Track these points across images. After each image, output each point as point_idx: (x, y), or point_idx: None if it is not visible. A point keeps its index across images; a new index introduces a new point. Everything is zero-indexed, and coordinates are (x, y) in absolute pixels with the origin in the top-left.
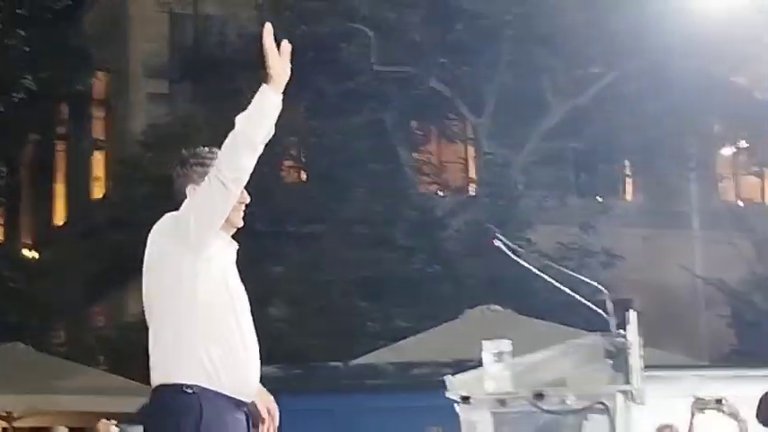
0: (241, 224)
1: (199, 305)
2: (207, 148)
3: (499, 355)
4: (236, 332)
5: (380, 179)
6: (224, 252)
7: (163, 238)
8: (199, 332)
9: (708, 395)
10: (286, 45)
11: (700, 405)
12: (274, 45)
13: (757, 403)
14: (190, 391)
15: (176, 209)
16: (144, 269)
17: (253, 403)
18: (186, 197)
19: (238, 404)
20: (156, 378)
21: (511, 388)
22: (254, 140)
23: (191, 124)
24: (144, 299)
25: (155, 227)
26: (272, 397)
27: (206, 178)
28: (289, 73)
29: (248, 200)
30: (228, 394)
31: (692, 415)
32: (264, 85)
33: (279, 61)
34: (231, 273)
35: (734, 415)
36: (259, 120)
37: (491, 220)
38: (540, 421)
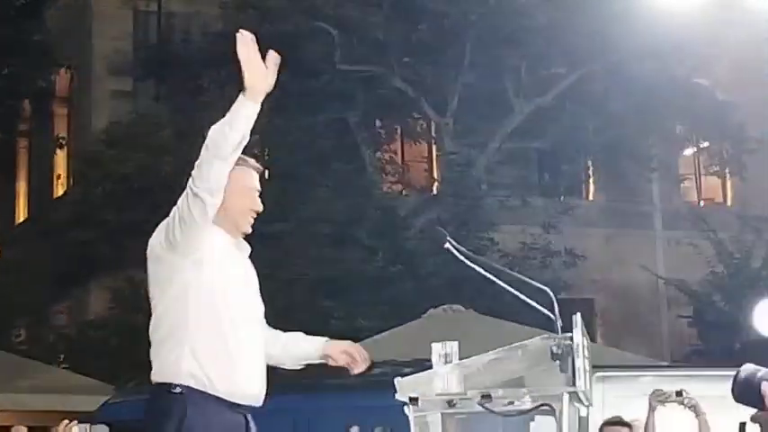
0: (248, 230)
1: (190, 307)
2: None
3: (447, 356)
4: (230, 334)
5: (344, 178)
6: (225, 255)
7: (156, 245)
8: (189, 334)
9: (667, 388)
10: (273, 56)
11: (659, 397)
12: (251, 55)
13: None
14: (176, 390)
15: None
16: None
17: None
18: None
19: (233, 406)
20: (152, 377)
21: (459, 389)
22: (224, 151)
23: (154, 122)
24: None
25: (153, 239)
26: (350, 342)
27: (186, 190)
28: (272, 83)
29: (260, 208)
30: (222, 396)
31: (651, 408)
32: (241, 96)
33: (255, 72)
34: (234, 276)
35: (694, 408)
36: (230, 130)
37: (454, 220)
38: (488, 422)
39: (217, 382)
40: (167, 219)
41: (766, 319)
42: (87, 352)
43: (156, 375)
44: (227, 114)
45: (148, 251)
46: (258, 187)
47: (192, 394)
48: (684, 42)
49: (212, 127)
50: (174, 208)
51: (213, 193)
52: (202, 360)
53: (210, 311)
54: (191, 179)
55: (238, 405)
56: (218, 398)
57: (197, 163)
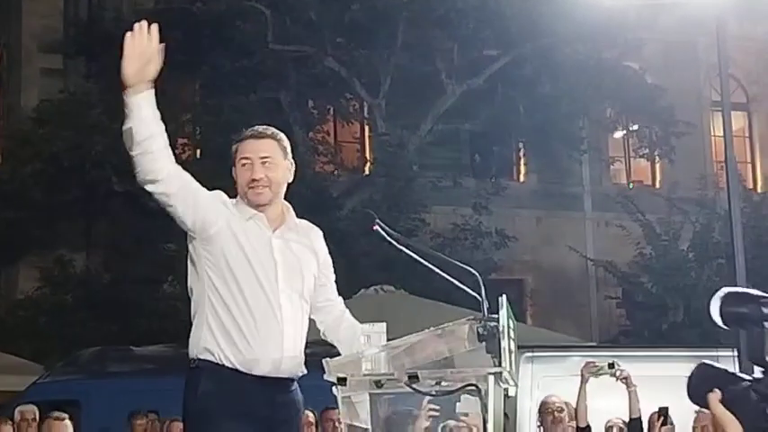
0: (261, 200)
1: (206, 285)
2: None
3: (374, 337)
4: (244, 308)
5: None
6: (239, 231)
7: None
8: (206, 311)
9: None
10: (153, 28)
11: (591, 369)
12: (134, 47)
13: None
14: (194, 365)
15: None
16: None
17: None
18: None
19: (254, 379)
20: (190, 352)
21: (387, 369)
22: (133, 146)
23: (85, 101)
24: None
25: None
26: None
27: None
28: (154, 57)
29: (258, 176)
30: (240, 369)
31: (584, 379)
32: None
33: (132, 63)
34: (249, 250)
35: (626, 380)
36: (128, 127)
37: (386, 201)
38: (415, 402)
39: (231, 355)
40: None
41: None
42: (16, 331)
43: (189, 351)
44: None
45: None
46: (258, 154)
47: (206, 367)
48: (614, 26)
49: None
50: None
51: (150, 183)
52: (216, 334)
53: (223, 287)
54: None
55: (261, 377)
56: (233, 369)
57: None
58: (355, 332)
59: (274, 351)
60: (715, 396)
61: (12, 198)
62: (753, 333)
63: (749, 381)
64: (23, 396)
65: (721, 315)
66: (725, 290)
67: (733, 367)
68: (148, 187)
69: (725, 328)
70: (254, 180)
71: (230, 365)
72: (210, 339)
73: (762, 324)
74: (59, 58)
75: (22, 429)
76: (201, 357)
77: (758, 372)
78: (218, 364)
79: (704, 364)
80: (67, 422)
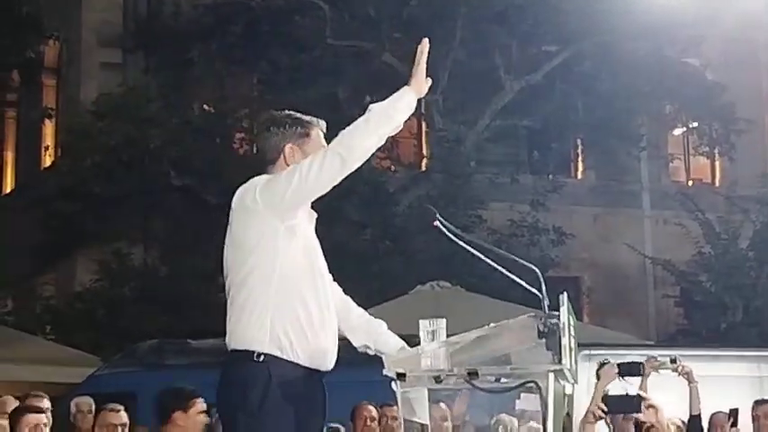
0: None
1: (276, 274)
2: (293, 112)
3: (434, 333)
4: (313, 302)
5: None
6: (306, 223)
7: (249, 201)
8: (274, 301)
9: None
10: (424, 44)
11: (653, 364)
12: (422, 62)
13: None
14: (260, 359)
15: (263, 165)
16: (228, 230)
17: None
18: (281, 154)
19: (312, 373)
20: (229, 343)
21: (446, 365)
22: (384, 131)
23: (143, 94)
24: (225, 260)
25: (242, 190)
26: None
27: (322, 151)
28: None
29: None
30: (303, 364)
31: (645, 374)
32: (406, 87)
33: (422, 75)
34: (313, 244)
35: (687, 375)
36: (393, 114)
37: (443, 197)
38: (474, 398)
39: (299, 349)
40: (269, 176)
41: None
42: (74, 324)
43: (236, 342)
44: (392, 99)
45: (236, 210)
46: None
47: (274, 362)
48: (675, 23)
49: (374, 106)
50: (291, 167)
51: (358, 163)
52: (287, 328)
53: (295, 280)
54: (336, 146)
55: (316, 371)
56: (297, 364)
57: (348, 133)
58: (371, 323)
59: (333, 344)
60: None
61: (70, 191)
62: None
63: None
64: (80, 388)
65: None
66: None
67: None
68: (353, 166)
69: None
70: None
71: (297, 360)
72: (280, 332)
73: None
74: (118, 53)
75: (78, 421)
76: (267, 351)
77: None
78: (285, 358)
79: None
80: (123, 414)
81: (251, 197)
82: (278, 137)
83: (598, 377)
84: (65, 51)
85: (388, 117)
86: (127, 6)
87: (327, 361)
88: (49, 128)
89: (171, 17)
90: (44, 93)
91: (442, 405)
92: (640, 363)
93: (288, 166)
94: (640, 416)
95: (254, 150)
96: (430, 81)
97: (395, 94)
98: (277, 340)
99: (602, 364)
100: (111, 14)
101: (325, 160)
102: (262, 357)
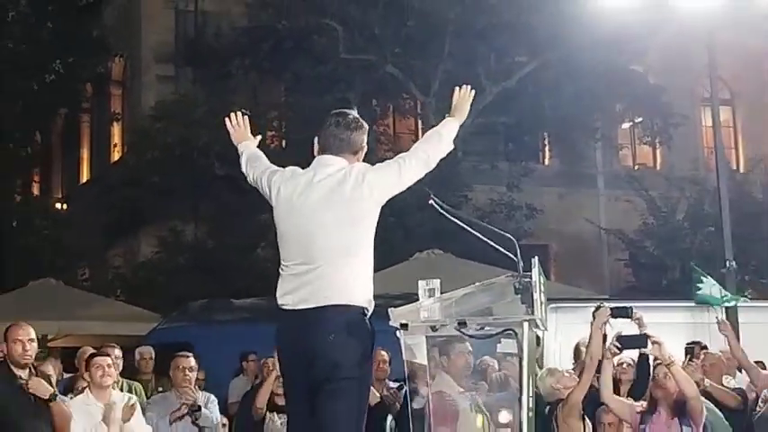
0: None
1: (370, 242)
2: (354, 116)
3: (431, 291)
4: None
5: None
6: None
7: (363, 190)
8: (369, 265)
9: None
10: (467, 89)
11: (612, 313)
12: (466, 95)
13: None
14: (366, 312)
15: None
16: (314, 203)
17: None
18: (359, 150)
19: None
20: (333, 298)
21: (440, 317)
22: (446, 148)
23: (192, 101)
24: (308, 224)
25: (350, 177)
26: None
27: (409, 155)
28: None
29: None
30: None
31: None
32: (451, 118)
33: (465, 104)
34: None
35: (638, 321)
36: (449, 137)
37: (436, 181)
38: (447, 344)
39: (371, 308)
40: (377, 170)
41: None
42: (138, 288)
43: (348, 298)
44: (447, 127)
45: (359, 194)
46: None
47: (371, 314)
48: (622, 36)
49: (441, 129)
50: (396, 169)
51: (433, 165)
52: (371, 287)
53: (372, 246)
54: (420, 153)
55: None
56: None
57: (428, 143)
58: None
59: None
60: None
61: (135, 180)
62: None
63: None
64: (145, 340)
65: None
66: None
67: (721, 314)
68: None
69: None
70: None
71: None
72: (370, 290)
73: None
74: (171, 67)
75: (141, 366)
76: (366, 306)
77: None
78: (369, 311)
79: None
80: (192, 359)
81: (368, 187)
82: (363, 136)
83: (594, 317)
84: (128, 67)
85: (449, 139)
86: (178, 29)
87: None
88: (116, 129)
89: (213, 38)
90: (112, 101)
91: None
92: (629, 307)
93: (358, 160)
94: (647, 350)
95: (283, 145)
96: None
97: (447, 124)
98: (370, 299)
99: (597, 308)
100: (165, 36)
101: (416, 165)
102: (362, 310)
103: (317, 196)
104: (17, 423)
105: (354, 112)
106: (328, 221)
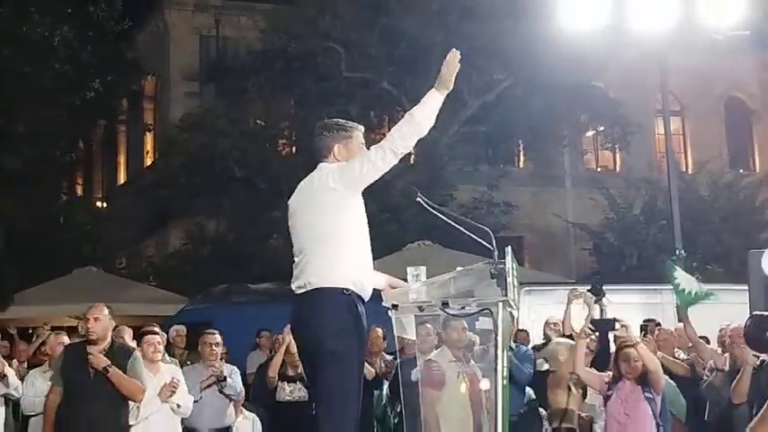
0: None
1: (353, 231)
2: (340, 120)
3: (417, 276)
4: (367, 251)
5: None
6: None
7: (331, 183)
8: (353, 249)
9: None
10: (455, 52)
11: (574, 294)
12: (454, 63)
13: (744, 329)
14: (347, 293)
15: (315, 160)
16: (298, 204)
17: None
18: (331, 152)
19: (363, 301)
20: (320, 281)
21: (426, 298)
22: (424, 129)
23: (214, 114)
24: (296, 221)
25: (317, 176)
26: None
27: (377, 146)
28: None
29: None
30: (362, 295)
31: (569, 301)
32: (434, 89)
33: (451, 73)
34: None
35: (599, 301)
36: (431, 113)
37: (425, 182)
38: (446, 321)
39: (362, 285)
40: (342, 165)
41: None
42: (168, 274)
43: (325, 281)
44: (427, 103)
45: (323, 187)
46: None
47: (353, 295)
48: (585, 56)
49: (413, 111)
50: (359, 162)
51: (403, 154)
52: (358, 270)
53: (361, 235)
54: (388, 143)
55: (364, 300)
56: (361, 297)
57: (397, 131)
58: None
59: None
60: None
61: (165, 182)
62: None
63: None
64: (174, 319)
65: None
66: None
67: (674, 303)
68: (400, 156)
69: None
70: None
71: (360, 293)
72: (353, 273)
73: None
74: (196, 84)
75: (175, 342)
76: (350, 287)
77: None
78: (357, 293)
79: (756, 314)
80: (218, 336)
81: (332, 180)
82: (328, 139)
83: (569, 300)
84: (158, 84)
85: (427, 119)
86: (201, 52)
87: (369, 293)
88: (148, 138)
89: (232, 59)
90: (144, 114)
91: (428, 326)
92: (601, 287)
93: (337, 161)
94: (615, 332)
95: (293, 151)
96: (454, 58)
97: (428, 98)
98: (353, 279)
99: (572, 290)
100: (190, 58)
101: (381, 156)
102: (348, 292)
103: (299, 197)
104: (83, 392)
105: (328, 120)
106: (305, 215)
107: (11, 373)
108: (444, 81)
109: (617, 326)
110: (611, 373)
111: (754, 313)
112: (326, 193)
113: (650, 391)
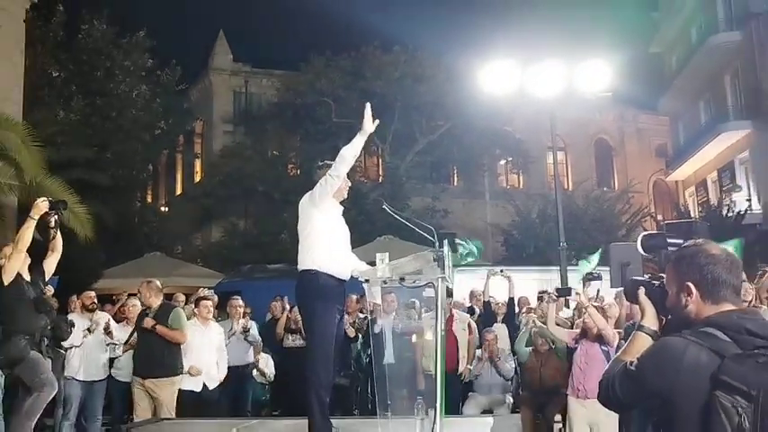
0: (345, 197)
1: (323, 232)
2: (329, 161)
3: (383, 260)
4: (338, 243)
5: None
6: (334, 209)
7: (305, 202)
8: (320, 243)
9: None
10: (368, 106)
11: (492, 272)
12: (368, 113)
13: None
14: (312, 273)
15: (312, 184)
16: (298, 212)
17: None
18: (319, 180)
19: (340, 281)
20: (300, 266)
21: (389, 275)
22: (350, 161)
23: (243, 146)
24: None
25: (303, 199)
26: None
27: (325, 176)
28: (373, 125)
29: (350, 184)
30: (334, 275)
31: (488, 278)
32: (358, 134)
33: (369, 123)
34: (337, 218)
35: (509, 278)
36: (355, 151)
37: (390, 194)
38: (403, 291)
39: (332, 267)
40: (312, 191)
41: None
42: (211, 259)
43: (304, 265)
44: (353, 143)
45: (301, 204)
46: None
47: (321, 273)
48: (500, 110)
49: (345, 148)
50: (317, 186)
51: (341, 178)
52: (325, 257)
53: (331, 233)
54: (331, 170)
55: (342, 280)
56: (331, 275)
57: (336, 163)
58: (354, 258)
59: (349, 267)
60: (641, 291)
61: (209, 193)
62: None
63: (657, 283)
64: (215, 289)
65: (642, 246)
66: (644, 232)
67: (559, 280)
68: (339, 181)
69: (645, 254)
70: (348, 186)
71: (331, 273)
72: (322, 259)
73: (666, 247)
74: (231, 126)
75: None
76: (318, 269)
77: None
78: (326, 272)
79: (633, 279)
80: (241, 300)
81: (310, 198)
82: (319, 173)
83: (488, 276)
84: (205, 125)
85: (352, 154)
86: (235, 104)
87: (347, 274)
88: (198, 163)
89: (257, 108)
90: (195, 146)
91: (391, 294)
92: (569, 290)
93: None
94: (572, 297)
95: (298, 173)
96: (377, 122)
97: (355, 140)
98: (322, 263)
99: (490, 270)
100: (227, 107)
101: (327, 181)
102: (314, 272)
103: (298, 208)
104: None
105: (321, 162)
106: (298, 221)
107: (115, 327)
108: (365, 127)
109: (573, 293)
110: (578, 331)
111: (632, 278)
112: (305, 206)
113: (606, 345)
